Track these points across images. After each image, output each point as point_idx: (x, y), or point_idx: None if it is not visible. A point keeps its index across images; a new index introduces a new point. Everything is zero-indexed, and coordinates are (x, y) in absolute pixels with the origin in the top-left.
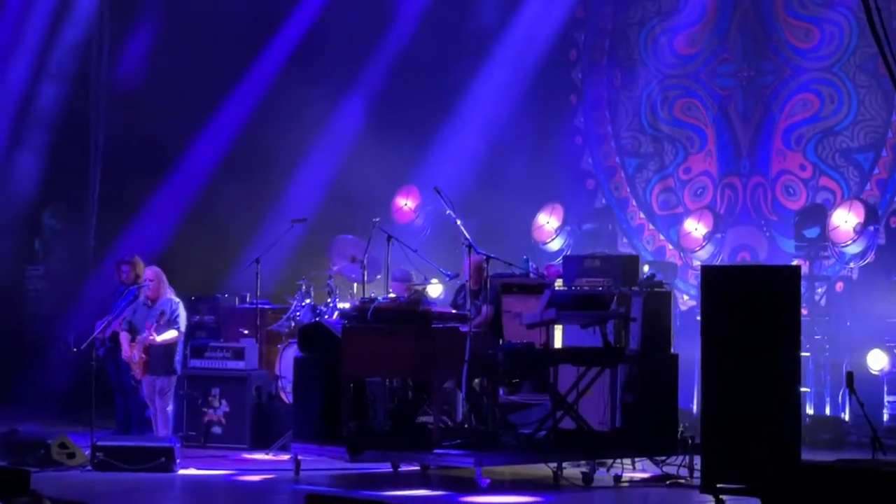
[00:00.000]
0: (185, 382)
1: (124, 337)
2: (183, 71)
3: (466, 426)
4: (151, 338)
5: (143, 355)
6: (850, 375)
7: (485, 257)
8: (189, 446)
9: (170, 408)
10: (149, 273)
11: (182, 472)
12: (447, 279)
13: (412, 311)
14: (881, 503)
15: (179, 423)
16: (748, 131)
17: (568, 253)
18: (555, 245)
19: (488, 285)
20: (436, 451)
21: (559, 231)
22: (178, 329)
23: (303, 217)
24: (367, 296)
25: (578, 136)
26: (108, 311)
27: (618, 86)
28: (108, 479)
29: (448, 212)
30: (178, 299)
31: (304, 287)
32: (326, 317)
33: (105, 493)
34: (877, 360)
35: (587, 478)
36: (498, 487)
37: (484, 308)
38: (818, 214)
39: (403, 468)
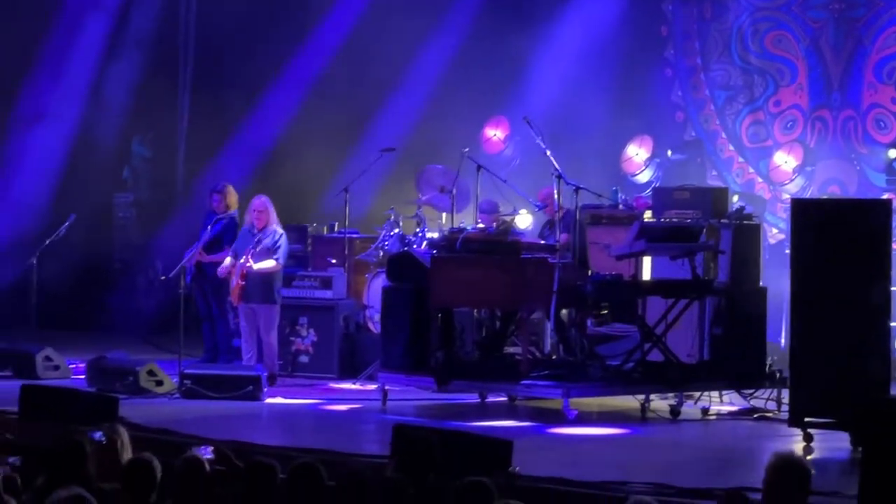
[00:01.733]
0: None
1: (228, 263)
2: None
3: (554, 357)
4: (248, 265)
5: (241, 282)
6: None
7: (573, 189)
8: (277, 375)
9: (273, 338)
10: (257, 202)
11: (269, 400)
12: (536, 209)
13: (501, 241)
14: None
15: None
16: (839, 64)
17: (657, 185)
18: (644, 177)
19: (560, 214)
20: (523, 382)
21: (648, 163)
22: (276, 259)
23: (391, 146)
24: (455, 226)
25: (668, 69)
26: (197, 239)
27: (708, 18)
28: (195, 406)
29: (538, 141)
30: (282, 231)
31: (392, 217)
32: (415, 246)
33: (192, 420)
34: None
35: (674, 410)
36: (585, 419)
37: (562, 236)
38: None
39: (490, 399)
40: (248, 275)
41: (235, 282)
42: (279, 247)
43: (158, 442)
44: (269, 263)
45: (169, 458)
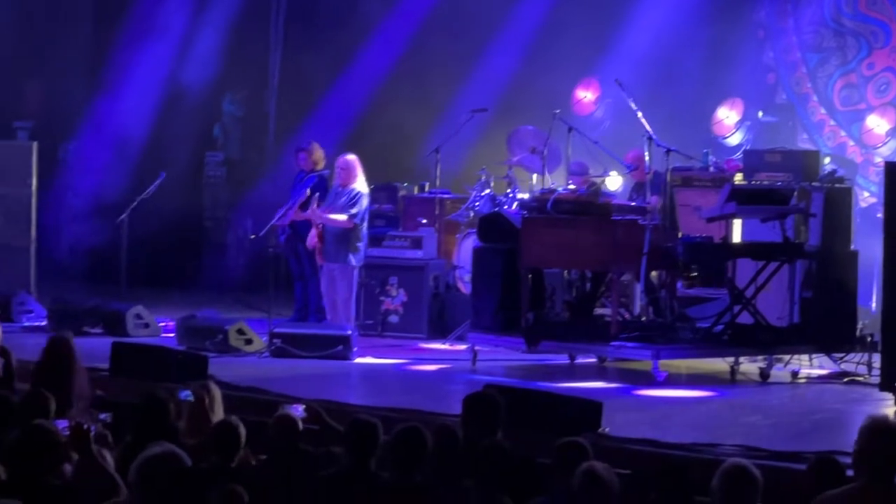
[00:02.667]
0: (363, 271)
1: (314, 227)
2: None
3: (644, 319)
4: (317, 214)
5: (318, 241)
6: None
7: (663, 151)
8: (366, 335)
9: (349, 298)
10: (340, 161)
11: (358, 360)
12: (626, 171)
13: (592, 202)
14: None
15: (357, 311)
16: None
17: (748, 147)
18: (735, 139)
19: (650, 176)
20: (613, 343)
21: (739, 125)
22: (348, 214)
23: (483, 107)
24: (546, 187)
25: (760, 30)
26: (288, 198)
27: None
28: (284, 365)
29: (630, 102)
30: (363, 189)
31: (483, 177)
32: (505, 207)
33: (281, 379)
34: None
35: (764, 373)
36: (674, 381)
37: (652, 199)
38: None
39: (580, 360)
40: (323, 233)
41: (314, 241)
42: (355, 202)
43: (248, 400)
44: (340, 217)
45: (258, 417)
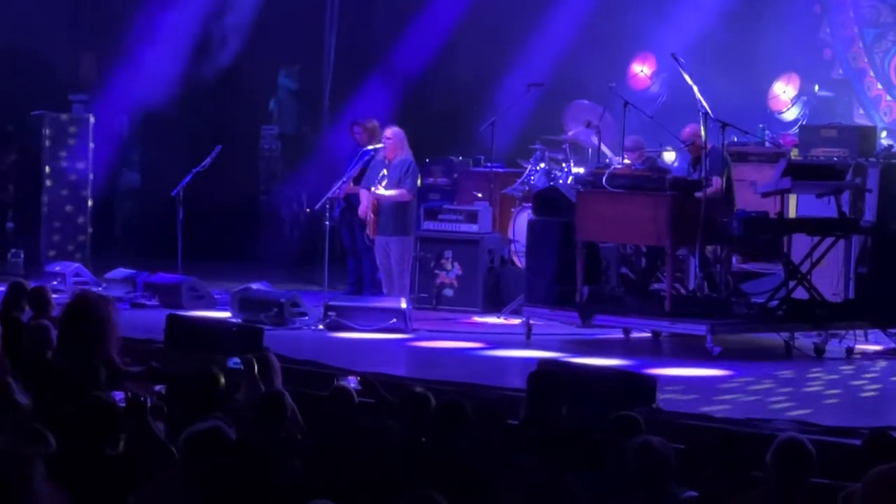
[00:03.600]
0: (418, 244)
1: (364, 195)
2: None
3: (699, 294)
4: (376, 192)
5: (373, 214)
6: None
7: (719, 126)
8: (420, 308)
9: (402, 269)
10: (388, 132)
11: (413, 333)
12: (682, 147)
13: (647, 176)
14: None
15: (412, 285)
16: None
17: (804, 123)
18: (791, 115)
19: (705, 153)
20: (668, 318)
21: (795, 100)
22: (406, 188)
23: (539, 81)
24: (601, 161)
25: (817, 5)
26: (343, 172)
27: None
28: (339, 338)
29: (686, 76)
30: (412, 160)
31: (538, 151)
32: (561, 181)
33: (336, 352)
34: None
35: (819, 349)
36: (729, 356)
37: (714, 180)
38: None
39: (635, 335)
40: (379, 206)
41: (368, 214)
42: (407, 175)
43: (303, 374)
44: (396, 192)
45: (313, 391)
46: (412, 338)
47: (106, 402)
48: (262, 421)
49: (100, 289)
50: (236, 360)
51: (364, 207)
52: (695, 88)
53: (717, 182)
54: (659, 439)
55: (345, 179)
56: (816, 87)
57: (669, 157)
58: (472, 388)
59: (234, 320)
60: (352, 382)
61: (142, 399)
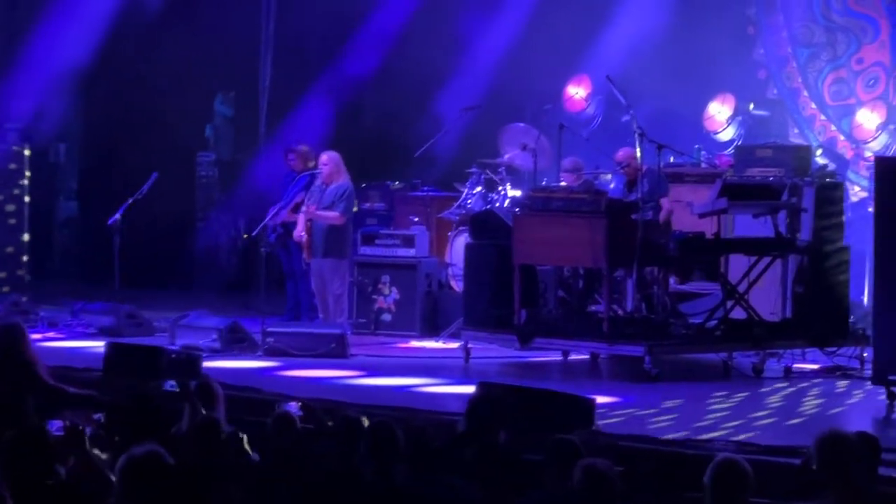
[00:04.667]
0: (356, 269)
1: (299, 217)
2: None
3: (636, 315)
4: (310, 211)
5: (307, 236)
6: None
7: (654, 146)
8: (359, 333)
9: (339, 293)
10: (324, 157)
11: (352, 358)
12: (618, 169)
13: (584, 199)
14: None
15: (350, 309)
16: None
17: (739, 143)
18: (726, 135)
19: (641, 175)
20: (606, 339)
21: (731, 121)
22: (339, 211)
23: (473, 105)
24: (538, 184)
25: (750, 26)
26: (280, 197)
27: None
28: (278, 364)
29: (621, 98)
30: (349, 185)
31: (475, 175)
32: (497, 204)
33: (275, 377)
34: None
35: (757, 368)
36: (667, 377)
37: (663, 202)
38: None
39: (573, 357)
40: (313, 229)
41: (302, 236)
42: (342, 198)
43: (243, 400)
44: (329, 215)
45: (254, 416)
46: (352, 362)
47: (40, 432)
48: (198, 447)
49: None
50: (172, 382)
51: (299, 230)
52: (630, 111)
53: (667, 204)
54: (604, 462)
55: (282, 205)
56: (752, 106)
57: (607, 178)
58: (409, 412)
59: (172, 347)
60: (293, 408)
61: (80, 428)
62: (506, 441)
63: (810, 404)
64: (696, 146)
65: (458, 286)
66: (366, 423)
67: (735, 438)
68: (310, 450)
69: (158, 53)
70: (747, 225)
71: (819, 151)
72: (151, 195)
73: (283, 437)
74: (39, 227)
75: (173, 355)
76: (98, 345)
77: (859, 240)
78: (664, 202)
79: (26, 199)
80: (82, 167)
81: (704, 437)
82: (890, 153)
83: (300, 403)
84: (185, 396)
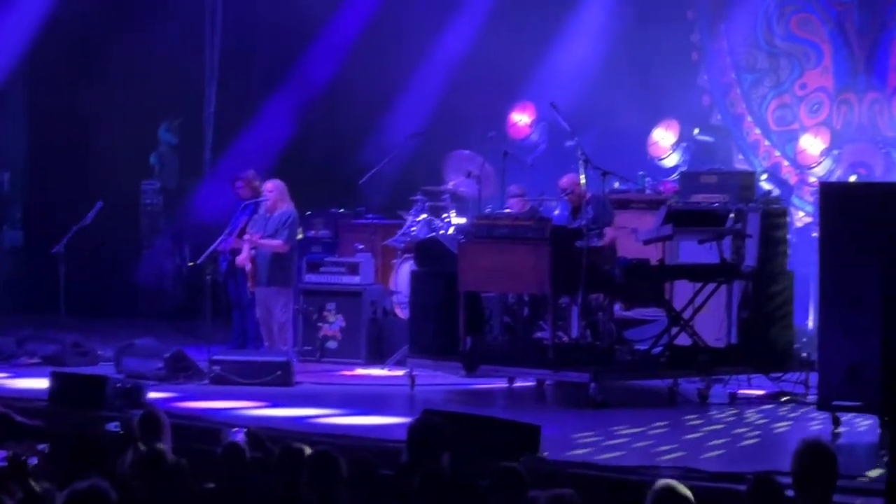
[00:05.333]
0: (301, 297)
1: (243, 246)
2: None
3: (582, 342)
4: (254, 239)
5: (251, 265)
6: None
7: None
8: (304, 361)
9: (283, 321)
10: (269, 185)
11: (297, 386)
12: (562, 196)
13: (528, 226)
14: None
15: (296, 337)
16: (864, 47)
17: (684, 169)
18: (671, 161)
19: (585, 201)
20: (551, 366)
21: (675, 147)
22: (282, 239)
23: (417, 132)
24: (483, 211)
25: (694, 52)
26: (227, 225)
27: (734, 1)
28: (224, 392)
29: (565, 125)
30: (293, 212)
31: (419, 202)
32: (442, 231)
33: (221, 406)
34: None
35: (703, 394)
36: (613, 403)
37: (607, 230)
38: None
39: (519, 384)
40: (257, 258)
41: (246, 264)
42: (285, 226)
43: (188, 429)
44: (274, 242)
45: (199, 445)
46: (297, 390)
47: None
48: (143, 480)
49: None
50: (116, 423)
51: (243, 257)
52: (574, 138)
53: (610, 232)
54: (570, 492)
55: (228, 233)
56: (696, 130)
57: (551, 205)
58: (353, 440)
59: (117, 377)
60: (239, 435)
61: (23, 459)
62: (450, 468)
63: (756, 430)
64: (641, 172)
65: (403, 313)
66: (308, 452)
67: (680, 465)
68: (255, 479)
69: (103, 81)
70: (692, 251)
71: (764, 176)
72: (96, 223)
73: (233, 466)
74: None
75: (118, 384)
76: (42, 374)
77: (804, 265)
78: (608, 230)
79: None
80: (26, 196)
81: (650, 463)
82: (834, 178)
83: (246, 431)
84: (128, 430)
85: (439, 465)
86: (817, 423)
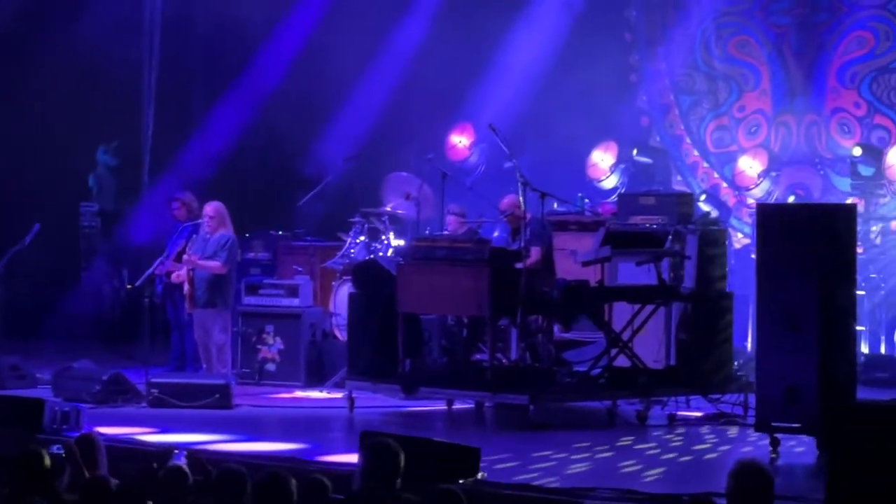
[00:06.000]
0: (240, 320)
1: (184, 270)
2: (234, 4)
3: (521, 364)
4: (192, 259)
5: (189, 287)
6: None
7: (538, 195)
8: (243, 383)
9: (222, 343)
10: (208, 208)
11: (237, 409)
12: (501, 217)
13: (467, 247)
14: None
15: (234, 360)
16: (802, 69)
17: (623, 190)
18: (609, 183)
19: (524, 223)
20: (490, 388)
21: (614, 169)
22: (220, 261)
23: (355, 154)
24: (422, 233)
25: (633, 74)
26: (165, 247)
27: (672, 23)
28: (162, 415)
29: (504, 147)
30: (233, 236)
31: (358, 224)
32: (381, 254)
33: (159, 429)
34: None
35: (642, 416)
36: (552, 425)
37: (533, 250)
38: (873, 154)
39: (458, 406)
40: (195, 280)
41: (184, 286)
42: (224, 248)
43: (127, 452)
44: (212, 264)
45: (138, 469)
46: (236, 413)
47: None
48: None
49: None
50: (59, 446)
51: (180, 275)
52: (514, 160)
53: (536, 252)
54: None
55: (166, 255)
56: (635, 151)
57: (491, 227)
58: (296, 462)
59: (55, 400)
60: (180, 459)
61: None
62: (399, 492)
63: (694, 452)
64: (580, 194)
65: (342, 336)
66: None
67: (619, 487)
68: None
69: (41, 103)
70: (631, 272)
71: (703, 198)
72: (34, 246)
73: (175, 490)
74: None
75: (56, 407)
76: None
77: (742, 286)
78: (533, 250)
79: None
80: None
81: (588, 485)
82: (772, 200)
83: (186, 454)
84: (68, 451)
85: (393, 488)
86: (756, 445)
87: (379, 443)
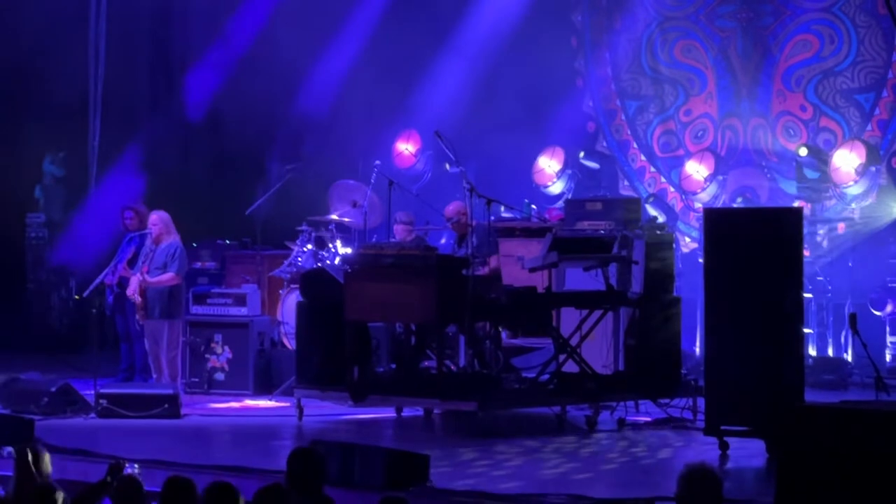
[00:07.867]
0: (188, 329)
1: (133, 279)
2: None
3: (469, 370)
4: (143, 277)
5: (140, 298)
6: (853, 317)
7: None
8: (192, 393)
9: (173, 354)
10: (153, 217)
11: (185, 418)
12: (447, 224)
13: (414, 255)
14: (885, 444)
15: (183, 369)
16: (748, 73)
17: (569, 196)
18: (556, 188)
19: (471, 230)
20: (439, 395)
21: (560, 174)
22: (173, 272)
23: (296, 163)
24: (369, 240)
25: (579, 79)
26: (114, 257)
27: (618, 28)
28: (111, 426)
29: (450, 153)
30: (180, 244)
31: (305, 232)
32: (328, 262)
33: (109, 439)
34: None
35: (591, 421)
36: (501, 432)
37: (492, 259)
38: (819, 155)
39: (407, 413)
40: (146, 291)
41: (136, 298)
42: (174, 258)
43: (76, 462)
44: (164, 278)
45: (87, 479)
46: (184, 422)
47: None
48: None
49: None
50: (10, 450)
51: (131, 290)
52: (460, 167)
53: (495, 260)
54: None
55: (115, 265)
56: (582, 154)
57: (437, 234)
58: (245, 471)
59: (2, 411)
60: (131, 469)
61: None
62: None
63: (643, 456)
64: (526, 200)
65: (290, 344)
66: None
67: (569, 492)
68: None
69: None
70: (578, 278)
71: (650, 200)
72: None
73: (128, 499)
74: None
75: (4, 419)
76: None
77: (690, 290)
78: (492, 258)
79: None
80: None
81: (538, 491)
82: (719, 204)
83: (137, 465)
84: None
85: (320, 495)
86: (705, 449)
87: (302, 449)
